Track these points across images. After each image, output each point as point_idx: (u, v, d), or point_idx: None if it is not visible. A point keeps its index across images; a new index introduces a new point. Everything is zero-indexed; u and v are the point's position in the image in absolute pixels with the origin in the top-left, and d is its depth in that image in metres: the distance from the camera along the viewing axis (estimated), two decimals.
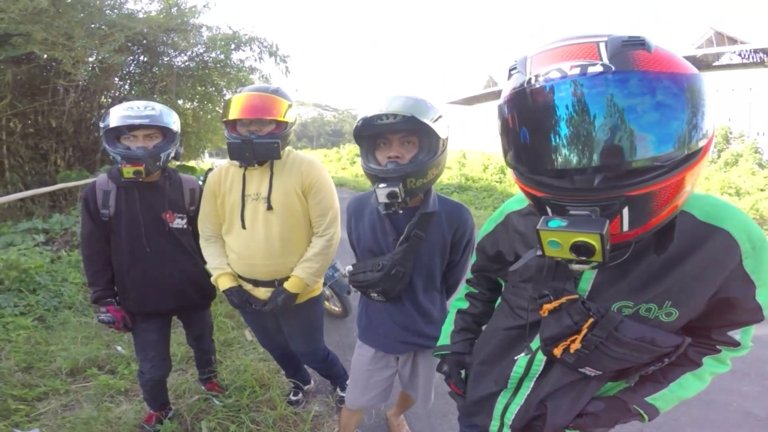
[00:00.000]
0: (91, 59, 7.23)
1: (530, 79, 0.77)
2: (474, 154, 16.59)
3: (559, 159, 0.76)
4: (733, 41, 41.31)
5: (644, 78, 0.70)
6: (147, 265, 2.08)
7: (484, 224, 1.32)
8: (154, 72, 9.42)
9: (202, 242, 2.15)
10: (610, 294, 0.97)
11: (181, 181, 2.19)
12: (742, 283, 0.91)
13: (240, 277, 2.12)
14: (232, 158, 1.96)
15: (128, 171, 1.89)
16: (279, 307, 2.07)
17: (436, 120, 1.48)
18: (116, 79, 9.31)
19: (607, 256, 0.75)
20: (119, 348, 3.47)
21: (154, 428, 2.44)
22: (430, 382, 2.05)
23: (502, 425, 1.27)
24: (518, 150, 0.85)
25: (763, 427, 2.51)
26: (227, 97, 10.46)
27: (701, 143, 0.75)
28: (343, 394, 2.57)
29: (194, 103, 10.50)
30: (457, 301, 1.52)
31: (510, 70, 0.85)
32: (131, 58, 9.03)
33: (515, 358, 1.17)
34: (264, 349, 3.11)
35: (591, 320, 0.93)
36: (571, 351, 0.97)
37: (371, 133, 1.56)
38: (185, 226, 2.18)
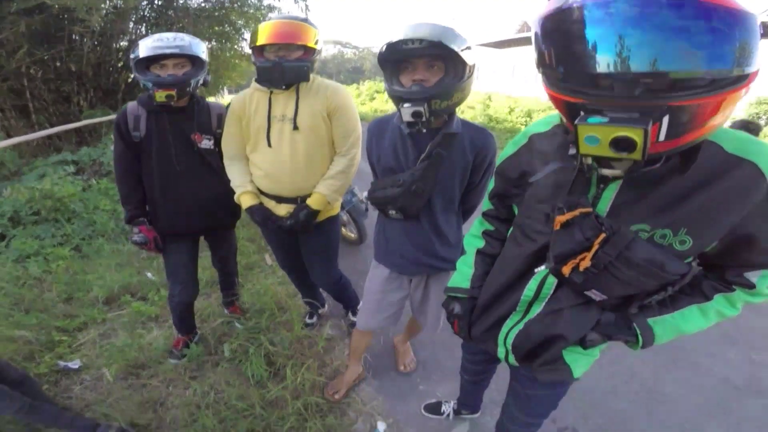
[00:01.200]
0: (104, 5, 7.07)
1: None
2: (500, 98, 15.75)
3: (606, 64, 0.74)
4: None
5: (700, 5, 0.68)
6: (177, 184, 2.16)
7: (504, 149, 1.29)
8: (169, 14, 9.17)
9: (225, 162, 2.19)
10: (627, 216, 0.94)
11: (209, 106, 2.24)
12: (764, 221, 0.88)
13: (264, 193, 2.18)
14: (260, 81, 1.98)
15: (160, 95, 1.94)
16: (300, 223, 2.13)
17: (464, 49, 1.44)
18: (131, 23, 9.13)
19: (646, 155, 0.73)
20: (149, 275, 3.64)
21: (182, 353, 2.60)
22: (439, 308, 2.06)
23: (507, 351, 1.30)
24: (560, 56, 0.83)
25: (736, 398, 2.52)
26: (246, 35, 10.31)
27: (747, 70, 0.73)
28: (354, 319, 2.65)
29: (212, 42, 10.21)
30: (473, 237, 1.49)
31: None
32: (145, 2, 8.84)
33: (527, 280, 1.17)
34: (283, 272, 3.21)
35: (603, 236, 0.91)
36: (581, 269, 0.95)
37: (396, 58, 1.52)
38: (213, 147, 2.22)
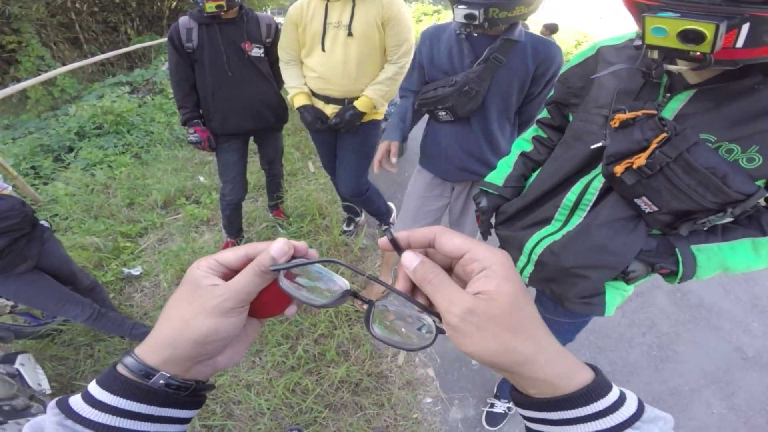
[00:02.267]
0: None
1: None
2: (567, 30, 13.71)
3: None
4: None
5: None
6: (229, 88, 2.25)
7: (571, 59, 1.20)
8: None
9: (282, 65, 2.27)
10: (692, 124, 0.86)
11: (258, 17, 2.29)
12: None
13: (314, 94, 2.26)
14: None
15: (210, 6, 2.00)
16: (345, 122, 2.20)
17: None
18: None
19: (715, 49, 0.69)
20: (201, 178, 3.78)
21: None
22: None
23: (528, 261, 1.23)
24: None
25: (741, 368, 2.37)
26: None
27: None
28: (385, 227, 2.69)
29: None
30: (522, 141, 1.43)
31: None
32: None
33: (572, 184, 1.10)
34: (325, 178, 3.21)
35: (663, 135, 0.84)
36: (634, 167, 0.89)
37: None
38: (262, 55, 2.29)
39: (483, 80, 1.57)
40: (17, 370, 1.71)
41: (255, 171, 3.43)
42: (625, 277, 1.06)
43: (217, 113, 2.30)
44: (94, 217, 3.28)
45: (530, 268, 1.23)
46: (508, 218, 1.34)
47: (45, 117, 5.99)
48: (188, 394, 0.40)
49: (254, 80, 2.30)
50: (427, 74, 1.76)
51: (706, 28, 0.67)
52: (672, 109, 0.89)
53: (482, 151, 1.77)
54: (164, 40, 3.78)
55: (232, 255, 0.42)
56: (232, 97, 2.27)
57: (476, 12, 1.39)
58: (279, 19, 2.32)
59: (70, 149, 4.43)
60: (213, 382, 2.06)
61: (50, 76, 4.78)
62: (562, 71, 1.25)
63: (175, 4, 9.77)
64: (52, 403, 0.36)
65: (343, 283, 0.42)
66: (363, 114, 2.21)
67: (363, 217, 3.10)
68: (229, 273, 0.42)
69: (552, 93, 1.30)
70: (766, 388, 2.28)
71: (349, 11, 2.02)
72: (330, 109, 2.24)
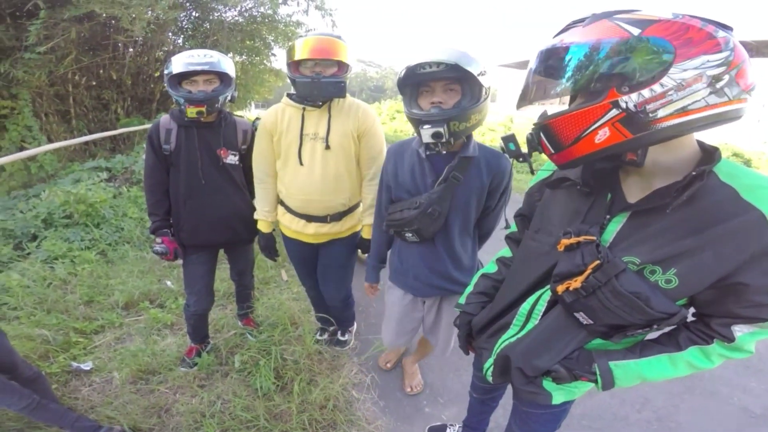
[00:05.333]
0: (146, 15, 7.34)
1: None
2: (522, 120, 15.39)
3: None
4: None
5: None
6: (201, 197, 2.17)
7: (537, 173, 1.29)
8: (205, 27, 9.44)
9: (255, 181, 2.23)
10: (624, 246, 0.94)
11: (235, 122, 2.26)
12: (760, 272, 0.82)
13: (294, 213, 2.18)
14: (298, 97, 1.99)
15: (191, 111, 1.99)
16: (366, 249, 2.21)
17: (480, 73, 1.45)
18: (170, 34, 9.46)
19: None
20: (169, 283, 3.59)
21: (193, 361, 2.53)
22: (451, 330, 2.04)
23: (491, 362, 1.29)
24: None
25: (754, 425, 2.38)
26: (275, 51, 10.59)
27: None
28: (343, 339, 2.84)
29: (243, 56, 10.47)
30: (491, 263, 1.50)
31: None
32: (184, 14, 9.11)
33: (528, 296, 1.17)
34: (298, 288, 3.14)
35: (596, 263, 0.92)
36: (571, 288, 0.96)
37: (414, 82, 1.54)
38: (237, 163, 2.25)
39: (444, 200, 1.63)
40: None
41: (225, 279, 3.31)
42: (548, 375, 1.14)
43: (188, 224, 2.21)
44: (47, 310, 2.99)
45: (491, 368, 1.30)
46: (479, 329, 1.38)
47: (15, 195, 5.61)
48: None
49: (227, 190, 2.24)
50: (393, 193, 1.80)
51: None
52: (611, 231, 0.98)
53: (447, 268, 1.80)
54: (149, 125, 3.75)
55: None
56: (204, 207, 2.19)
57: (441, 129, 1.45)
58: (262, 113, 2.28)
59: (34, 237, 4.14)
60: None
61: (34, 153, 4.58)
62: (529, 185, 1.33)
63: (165, 88, 9.92)
64: None
65: None
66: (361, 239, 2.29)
67: (336, 326, 2.98)
68: None
69: (520, 207, 1.39)
70: None
71: (325, 123, 2.00)
72: (312, 228, 2.17)
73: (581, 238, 0.96)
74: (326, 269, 2.42)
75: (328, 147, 2.00)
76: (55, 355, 2.52)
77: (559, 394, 1.21)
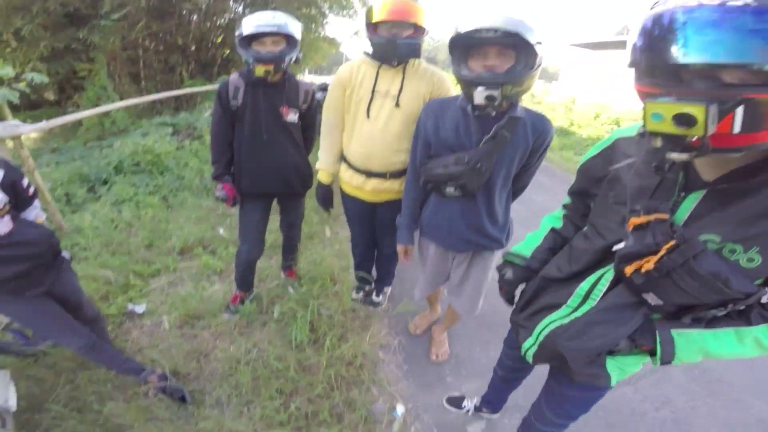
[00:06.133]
0: None
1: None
2: (585, 101, 14.07)
3: (685, 59, 0.73)
4: None
5: None
6: (262, 151, 2.27)
7: (591, 149, 1.25)
8: None
9: (322, 134, 2.29)
10: (702, 224, 0.89)
11: (298, 83, 2.32)
12: None
13: (355, 168, 2.23)
14: (375, 57, 2.03)
15: (259, 70, 2.05)
16: None
17: (537, 43, 1.43)
18: (231, 1, 9.90)
19: (710, 131, 0.70)
20: (221, 231, 3.77)
21: (236, 308, 2.68)
22: (478, 290, 2.06)
23: (534, 342, 1.26)
24: (647, 52, 0.81)
25: None
26: (328, 20, 11.00)
27: None
28: (378, 300, 2.91)
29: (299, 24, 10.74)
30: (552, 218, 1.47)
31: (652, 6, 0.81)
32: None
33: (587, 275, 1.13)
34: (339, 245, 3.17)
35: (672, 243, 0.86)
36: (642, 271, 0.91)
37: (469, 43, 1.52)
38: (297, 121, 2.33)
39: (491, 156, 1.63)
40: None
41: (274, 230, 3.39)
42: (609, 351, 1.12)
43: (247, 173, 2.32)
44: (112, 252, 3.24)
45: (534, 349, 1.27)
46: (522, 306, 1.35)
47: (90, 146, 6.25)
48: None
49: (286, 145, 2.33)
50: (433, 149, 1.80)
51: (697, 111, 0.69)
52: (686, 208, 0.92)
53: (483, 223, 1.81)
54: (212, 87, 3.85)
55: None
56: (264, 160, 2.29)
57: (495, 93, 1.45)
58: (315, 79, 2.39)
59: (105, 182, 4.52)
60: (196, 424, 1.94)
61: (108, 109, 5.02)
62: (582, 161, 1.29)
63: (227, 53, 10.49)
64: None
65: None
66: None
67: (373, 286, 3.01)
68: None
69: (573, 183, 1.36)
70: None
71: (398, 82, 2.03)
72: (371, 185, 2.21)
73: (652, 217, 0.91)
74: (383, 227, 2.48)
75: (397, 105, 2.02)
76: (115, 297, 2.74)
77: (614, 375, 1.17)
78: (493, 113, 1.60)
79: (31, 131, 3.20)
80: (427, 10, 1.99)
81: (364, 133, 2.11)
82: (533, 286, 1.33)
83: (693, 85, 0.75)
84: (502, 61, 1.49)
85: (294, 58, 2.18)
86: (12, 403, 1.66)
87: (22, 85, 3.16)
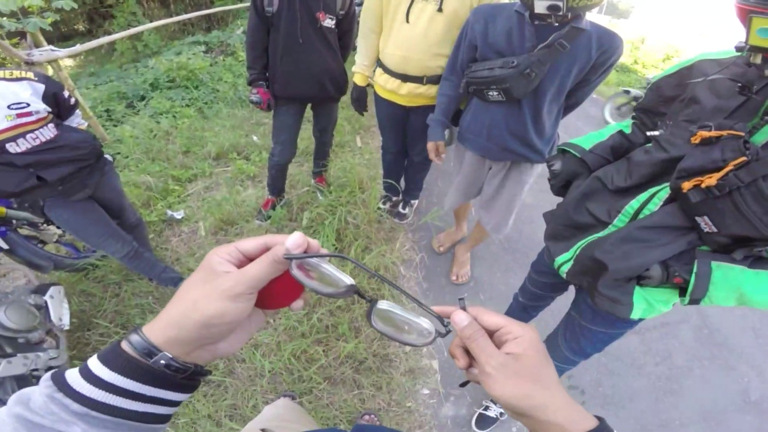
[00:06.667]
0: None
1: None
2: (656, 41, 12.12)
3: None
4: None
5: None
6: (297, 55, 2.25)
7: (667, 68, 1.15)
8: None
9: (360, 36, 2.23)
10: None
11: None
12: None
13: (391, 72, 2.16)
14: None
15: None
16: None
17: None
18: None
19: None
20: (255, 138, 3.79)
21: (267, 214, 2.75)
22: (511, 205, 2.00)
23: (570, 258, 1.21)
24: None
25: (741, 410, 2.17)
26: None
27: None
28: (404, 211, 2.86)
29: None
30: (619, 125, 1.36)
31: None
32: None
33: (640, 191, 1.05)
34: (369, 155, 3.11)
35: (742, 159, 0.79)
36: (703, 186, 0.84)
37: None
38: (333, 27, 2.28)
39: (543, 64, 1.51)
40: (45, 302, 1.73)
41: (306, 137, 3.40)
42: (639, 280, 1.03)
43: (282, 77, 2.30)
44: (152, 159, 3.35)
45: (570, 264, 1.21)
46: (573, 205, 1.24)
47: (126, 68, 6.38)
48: (185, 377, 0.40)
49: (321, 50, 2.28)
50: (479, 53, 1.67)
51: None
52: (765, 133, 0.82)
53: (528, 132, 1.71)
54: (243, 5, 3.68)
55: (251, 244, 0.44)
56: (299, 63, 2.26)
57: (560, 3, 1.35)
58: None
59: (143, 98, 4.61)
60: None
61: (138, 30, 5.00)
62: (654, 79, 1.19)
63: None
64: (46, 376, 0.36)
65: (348, 280, 0.44)
66: None
67: (400, 197, 2.99)
68: (246, 261, 0.43)
69: (643, 99, 1.25)
70: None
71: None
72: (406, 88, 2.13)
73: (725, 132, 0.83)
74: (415, 133, 2.43)
75: (440, 10, 1.88)
76: (155, 203, 2.86)
77: (639, 308, 1.09)
78: (556, 24, 1.47)
79: (66, 55, 3.25)
80: None
81: (401, 36, 2.01)
82: (583, 187, 1.23)
83: None
84: None
85: None
86: (66, 321, 1.79)
87: (50, 19, 3.12)
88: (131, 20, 8.30)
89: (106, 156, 1.93)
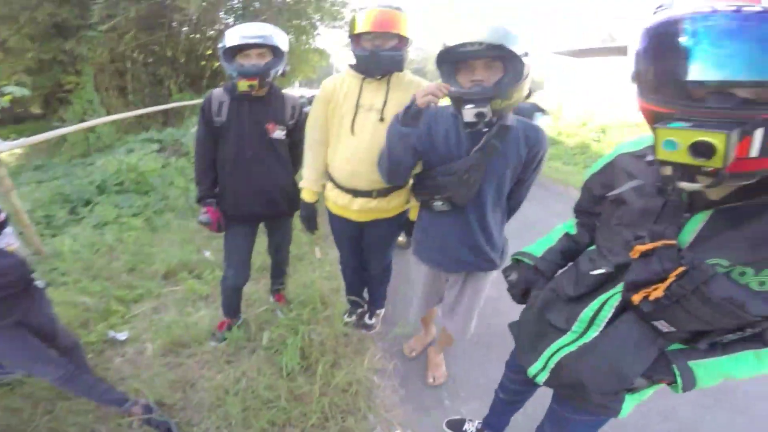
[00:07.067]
0: None
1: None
2: (572, 109, 14.14)
3: (699, 75, 0.68)
4: None
5: None
6: (246, 170, 2.18)
7: (593, 165, 1.23)
8: (255, 6, 9.75)
9: (306, 149, 2.19)
10: (709, 247, 0.85)
11: (284, 98, 2.25)
12: None
13: (341, 187, 2.15)
14: (358, 70, 1.98)
15: (243, 85, 1.98)
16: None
17: (524, 54, 1.38)
18: (221, 13, 9.90)
19: (729, 162, 0.64)
20: (207, 253, 3.66)
21: (223, 335, 2.56)
22: (471, 311, 2.00)
23: (544, 368, 1.22)
24: (656, 66, 0.77)
25: None
26: (320, 31, 10.93)
27: None
28: (370, 322, 2.83)
29: (289, 35, 10.70)
30: (564, 226, 1.42)
31: (656, 10, 0.76)
32: None
33: (592, 299, 1.08)
34: (329, 267, 3.10)
35: (681, 269, 0.81)
36: (650, 298, 0.87)
37: (455, 58, 1.49)
38: (283, 137, 2.24)
39: (480, 167, 1.57)
40: None
41: (261, 252, 3.30)
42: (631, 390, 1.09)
43: (231, 194, 2.23)
44: (92, 277, 3.11)
45: (545, 374, 1.22)
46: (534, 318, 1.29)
47: (75, 163, 6.17)
48: None
49: (271, 164, 2.24)
50: (423, 158, 1.74)
51: (717, 139, 0.63)
52: (690, 230, 0.87)
53: (478, 240, 1.74)
54: (199, 101, 3.89)
55: None
56: (248, 179, 2.20)
57: (485, 109, 1.39)
58: (305, 92, 2.33)
59: (88, 202, 4.38)
60: None
61: (92, 124, 4.93)
62: (585, 178, 1.27)
63: (217, 65, 10.39)
64: None
65: None
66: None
67: (366, 308, 2.94)
68: None
69: (578, 199, 1.34)
70: None
71: (382, 95, 1.96)
72: (358, 204, 2.13)
73: (659, 243, 0.86)
74: (371, 247, 2.43)
75: (381, 119, 1.95)
76: (95, 323, 2.60)
77: (629, 404, 1.14)
78: (485, 129, 1.54)
79: (8, 149, 3.10)
80: (412, 19, 1.94)
81: (348, 149, 2.03)
82: (539, 301, 1.28)
83: (707, 104, 0.68)
84: (490, 73, 1.46)
85: (280, 71, 2.11)
86: None
87: (6, 99, 3.06)
88: (87, 108, 8.17)
89: (37, 282, 1.76)
